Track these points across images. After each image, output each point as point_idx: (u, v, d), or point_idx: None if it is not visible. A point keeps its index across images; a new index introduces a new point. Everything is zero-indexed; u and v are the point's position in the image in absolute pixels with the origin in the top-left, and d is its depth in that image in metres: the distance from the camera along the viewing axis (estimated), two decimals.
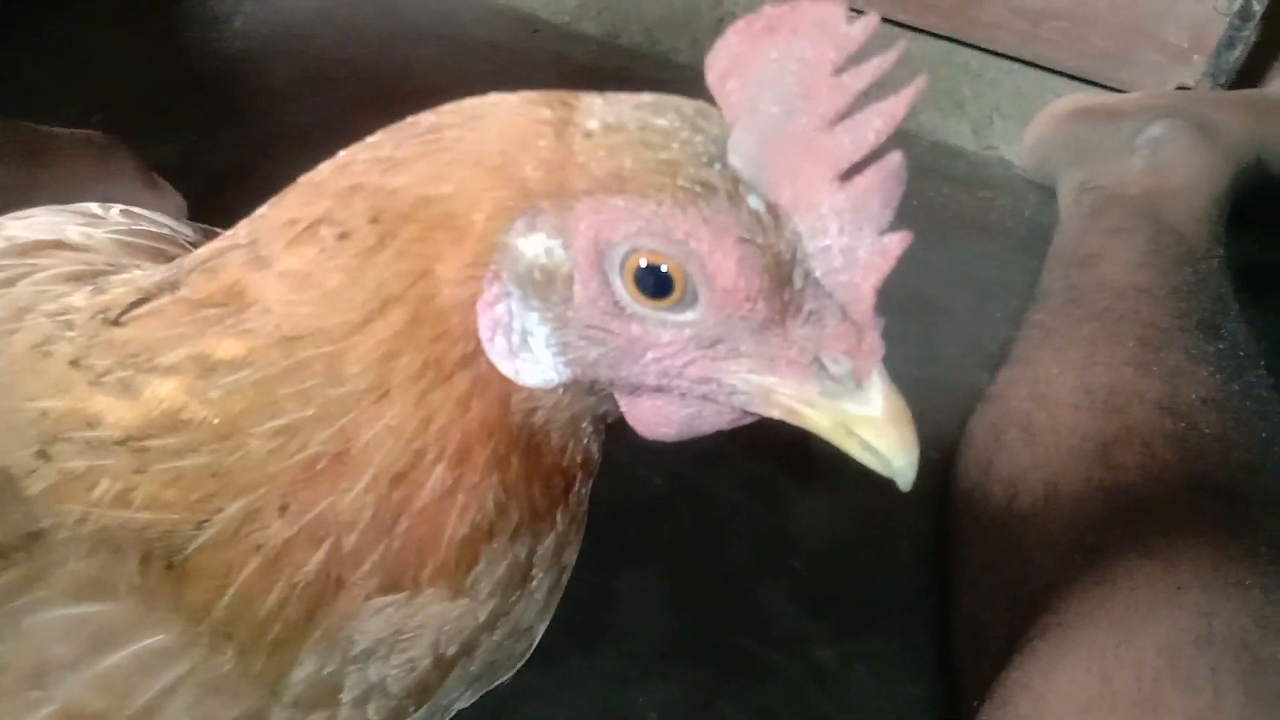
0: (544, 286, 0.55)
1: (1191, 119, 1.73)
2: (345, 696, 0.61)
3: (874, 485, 1.39)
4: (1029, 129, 1.92)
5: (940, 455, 1.36)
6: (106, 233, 0.69)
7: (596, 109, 0.56)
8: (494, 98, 0.58)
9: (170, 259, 0.67)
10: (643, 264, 0.54)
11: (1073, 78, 2.04)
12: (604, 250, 0.54)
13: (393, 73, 2.00)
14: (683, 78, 2.13)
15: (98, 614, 0.56)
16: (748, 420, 0.61)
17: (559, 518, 0.64)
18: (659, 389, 0.58)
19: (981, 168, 2.02)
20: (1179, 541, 0.97)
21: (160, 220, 0.75)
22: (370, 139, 0.59)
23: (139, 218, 0.74)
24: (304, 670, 0.59)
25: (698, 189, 0.53)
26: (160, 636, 0.56)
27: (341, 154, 0.60)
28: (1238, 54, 1.90)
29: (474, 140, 0.56)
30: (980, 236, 1.87)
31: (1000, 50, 2.08)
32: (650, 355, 0.56)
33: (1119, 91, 1.96)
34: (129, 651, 0.56)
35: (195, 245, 0.70)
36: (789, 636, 1.26)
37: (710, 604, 1.29)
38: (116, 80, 1.90)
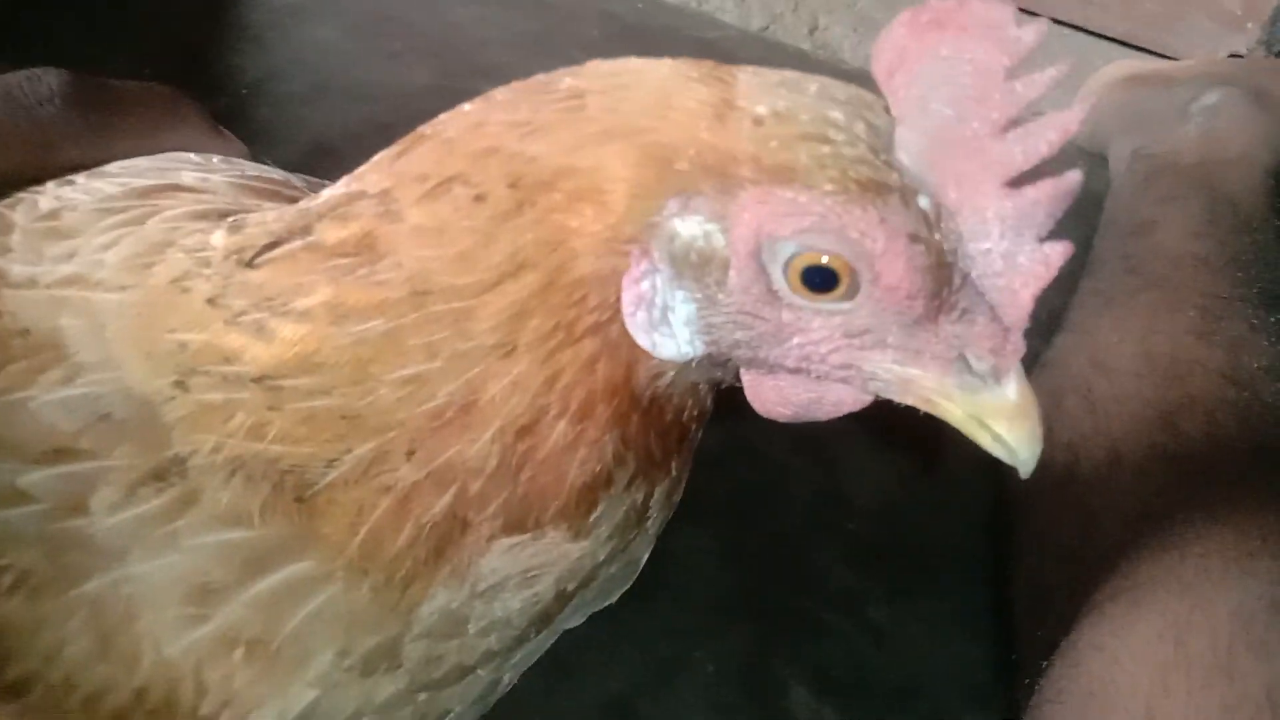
0: (698, 268, 0.56)
1: (1247, 87, 1.72)
2: (472, 628, 0.63)
3: (928, 445, 1.40)
4: (1079, 95, 1.91)
5: None
6: (221, 177, 0.70)
7: (756, 90, 0.56)
8: (638, 64, 0.59)
9: (288, 201, 0.68)
10: (824, 261, 0.54)
11: (1123, 44, 2.02)
12: (766, 242, 0.54)
13: (440, 28, 2.00)
14: (728, 37, 2.14)
15: (248, 539, 0.58)
16: (863, 406, 0.62)
17: (674, 465, 0.66)
18: (795, 371, 0.59)
19: None
20: (1247, 509, 0.98)
21: (261, 166, 0.76)
22: (501, 97, 0.60)
23: (241, 164, 0.75)
24: (434, 604, 0.61)
25: (874, 187, 0.53)
26: (306, 563, 0.59)
27: (469, 109, 0.60)
28: None
29: (624, 113, 0.56)
30: None
31: (1050, 15, 2.06)
32: (795, 340, 0.57)
33: (1170, 58, 1.95)
34: (279, 576, 0.59)
35: (301, 191, 0.71)
36: (844, 595, 1.27)
37: (765, 562, 1.30)
38: (161, 35, 1.90)
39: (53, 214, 0.67)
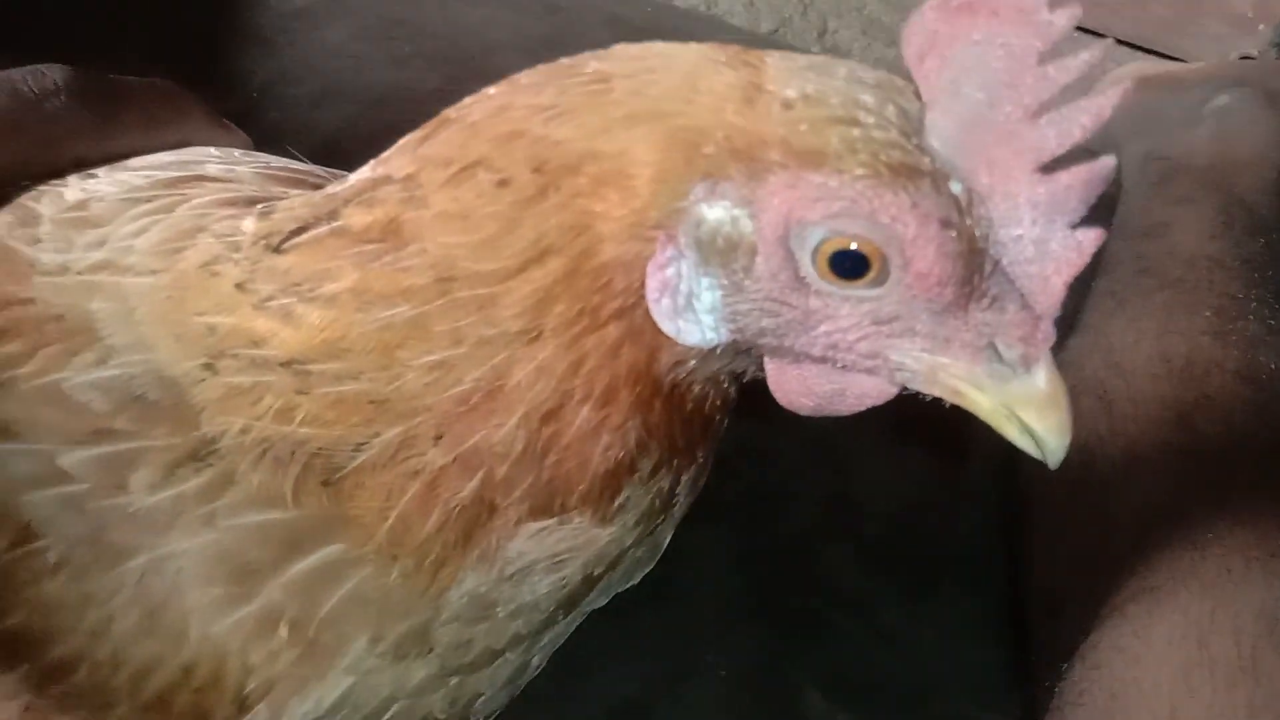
0: (725, 254, 0.55)
1: (1259, 88, 1.71)
2: (501, 611, 0.63)
3: (942, 447, 1.39)
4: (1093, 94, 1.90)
5: None
6: (246, 168, 0.70)
7: (785, 74, 0.55)
8: (663, 47, 0.58)
9: (314, 189, 0.67)
10: (853, 247, 0.53)
11: (1133, 46, 2.02)
12: (794, 227, 0.54)
13: (450, 31, 1.99)
14: (738, 40, 2.13)
15: (284, 520, 0.59)
16: (887, 399, 0.61)
17: (699, 453, 0.65)
18: (820, 360, 0.58)
19: None
20: (1267, 509, 0.97)
21: (283, 158, 0.76)
22: (525, 81, 0.59)
23: (264, 155, 0.75)
24: (463, 588, 0.61)
25: (905, 171, 0.52)
26: (338, 546, 0.59)
27: (493, 92, 0.59)
28: None
29: (650, 96, 0.55)
30: None
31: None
32: (823, 328, 0.56)
33: (1180, 61, 1.94)
34: (314, 559, 0.59)
35: (326, 180, 0.71)
36: (855, 598, 1.26)
37: (776, 564, 1.29)
38: (174, 36, 1.90)
39: (80, 204, 0.67)
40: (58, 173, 0.73)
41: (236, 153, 0.75)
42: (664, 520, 0.66)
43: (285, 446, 0.58)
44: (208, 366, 0.59)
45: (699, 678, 1.18)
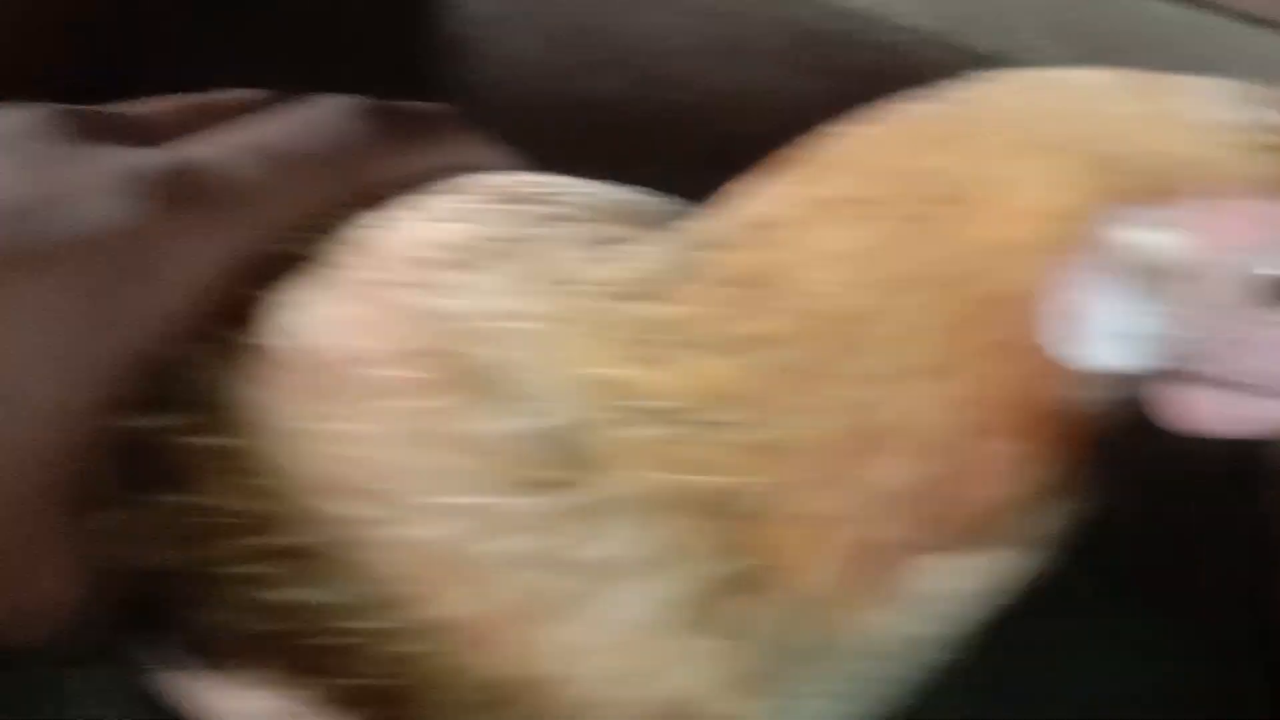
0: (1149, 281, 0.54)
1: None
2: (897, 648, 0.64)
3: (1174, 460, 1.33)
4: None
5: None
6: (586, 199, 0.70)
7: (1194, 98, 0.53)
8: (1057, 73, 0.57)
9: (653, 228, 0.67)
10: None
11: None
12: (1233, 254, 0.52)
13: (633, 38, 1.97)
14: (953, 57, 2.07)
15: (709, 572, 0.59)
16: None
17: (1087, 477, 0.63)
18: (1252, 388, 0.56)
19: None
20: None
21: (607, 187, 0.76)
22: (895, 110, 0.58)
23: (593, 184, 0.75)
24: (861, 630, 0.61)
25: None
26: (749, 595, 0.59)
27: (861, 122, 0.59)
28: None
29: (1046, 122, 0.55)
30: None
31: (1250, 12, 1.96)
32: (1259, 357, 0.54)
33: None
34: (735, 606, 0.59)
35: (658, 212, 0.71)
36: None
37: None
38: (374, 59, 1.93)
39: (440, 244, 0.68)
40: (360, 200, 0.74)
41: (567, 180, 0.75)
42: (1049, 550, 0.65)
43: (681, 497, 0.58)
44: (592, 419, 0.60)
45: None
